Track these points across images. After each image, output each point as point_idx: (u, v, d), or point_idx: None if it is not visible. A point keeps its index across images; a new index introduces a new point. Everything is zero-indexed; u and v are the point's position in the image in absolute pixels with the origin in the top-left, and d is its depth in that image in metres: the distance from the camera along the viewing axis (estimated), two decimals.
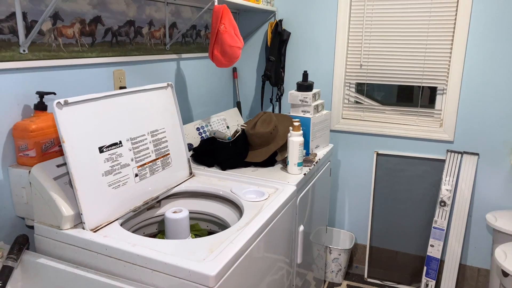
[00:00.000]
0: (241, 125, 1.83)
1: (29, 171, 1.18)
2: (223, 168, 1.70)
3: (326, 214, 2.24)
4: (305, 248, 1.82)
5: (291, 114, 1.95)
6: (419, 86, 2.34)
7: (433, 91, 2.32)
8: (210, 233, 1.54)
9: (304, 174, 1.66)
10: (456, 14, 2.13)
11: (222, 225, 1.50)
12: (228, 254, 1.04)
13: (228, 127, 2.21)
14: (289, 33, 2.47)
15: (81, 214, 1.14)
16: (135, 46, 1.73)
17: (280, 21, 2.45)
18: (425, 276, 2.31)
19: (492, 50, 2.09)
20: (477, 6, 2.07)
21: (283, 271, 1.53)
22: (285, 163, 1.78)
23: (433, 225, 2.27)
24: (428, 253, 2.29)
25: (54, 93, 1.30)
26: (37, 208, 1.19)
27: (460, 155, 2.24)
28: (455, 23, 2.14)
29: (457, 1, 2.11)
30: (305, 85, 1.91)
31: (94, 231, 1.15)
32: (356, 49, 2.39)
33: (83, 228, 1.15)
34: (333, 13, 2.37)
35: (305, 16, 2.44)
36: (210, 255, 1.04)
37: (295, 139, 1.62)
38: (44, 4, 1.30)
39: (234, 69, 2.66)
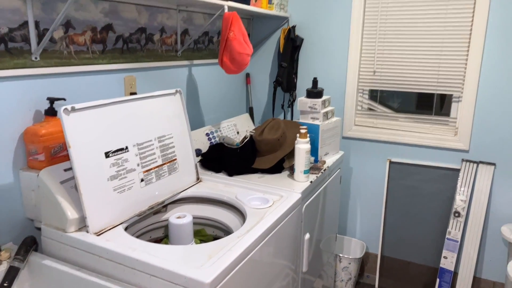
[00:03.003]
0: (250, 131, 1.84)
1: (38, 175, 1.22)
2: (230, 174, 1.71)
3: (336, 222, 2.22)
4: (312, 256, 1.80)
5: (300, 121, 1.94)
6: (437, 94, 2.29)
7: (449, 98, 2.27)
8: (216, 238, 1.55)
9: (311, 182, 1.65)
10: (472, 20, 2.08)
11: (228, 232, 1.51)
12: (225, 261, 1.04)
13: (238, 132, 2.22)
14: (302, 39, 2.47)
15: (86, 217, 1.16)
16: (146, 52, 1.77)
17: (293, 27, 2.45)
18: None
19: (509, 57, 2.03)
20: (494, 12, 2.02)
21: (288, 278, 1.52)
22: (292, 170, 1.78)
23: (447, 236, 2.22)
24: (441, 265, 2.24)
25: (64, 99, 1.34)
26: (44, 211, 1.23)
27: (475, 164, 2.18)
28: (471, 30, 2.09)
29: (474, 7, 2.07)
30: (314, 92, 1.90)
31: (98, 235, 1.18)
32: (370, 56, 2.37)
33: (87, 232, 1.17)
34: (347, 19, 2.35)
35: (318, 22, 2.44)
36: (208, 262, 1.04)
37: (301, 146, 1.62)
38: (56, 13, 1.34)
39: (247, 75, 2.68)
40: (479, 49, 2.08)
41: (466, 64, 2.14)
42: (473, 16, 2.08)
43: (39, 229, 1.26)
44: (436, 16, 2.16)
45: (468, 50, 2.12)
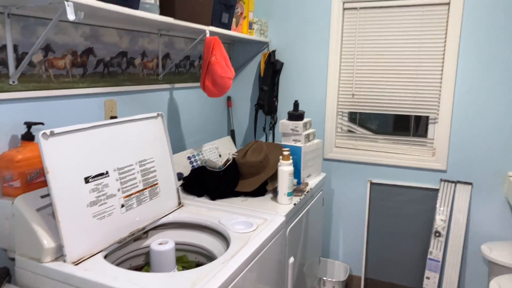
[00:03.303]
0: (232, 154, 1.83)
1: (12, 202, 1.17)
2: (213, 198, 1.69)
3: (319, 244, 2.20)
4: (296, 281, 1.78)
5: (282, 143, 1.95)
6: (413, 116, 2.35)
7: (424, 119, 2.33)
8: (198, 265, 1.51)
9: (294, 204, 1.65)
10: (445, 45, 2.17)
11: (211, 258, 1.48)
12: None
13: (220, 155, 2.20)
14: (282, 63, 2.51)
15: (63, 246, 1.12)
16: (127, 76, 1.76)
17: (273, 51, 2.49)
18: None
19: (481, 79, 2.12)
20: (465, 38, 2.11)
21: None
22: (275, 192, 1.77)
23: (429, 256, 2.23)
24: (424, 286, 2.24)
25: (42, 123, 1.30)
26: (18, 240, 1.17)
27: (453, 184, 2.23)
28: (444, 53, 2.18)
29: (445, 34, 2.16)
30: (296, 115, 1.92)
31: (76, 264, 1.13)
32: (348, 79, 2.43)
33: (64, 261, 1.12)
34: (325, 44, 2.41)
35: (297, 47, 2.49)
36: None
37: (284, 168, 1.62)
38: (35, 37, 1.33)
39: (228, 98, 2.69)
40: (452, 73, 2.16)
41: (440, 87, 2.22)
42: (445, 41, 2.17)
43: (13, 259, 1.20)
44: (411, 41, 2.25)
45: (442, 74, 2.20)
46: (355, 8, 2.34)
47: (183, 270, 1.45)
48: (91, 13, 1.38)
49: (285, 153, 1.63)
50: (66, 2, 1.10)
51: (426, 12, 2.19)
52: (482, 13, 2.06)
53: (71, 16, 1.10)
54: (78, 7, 1.19)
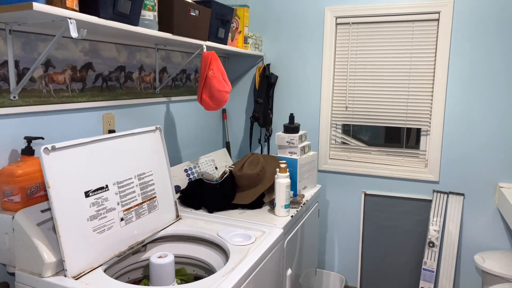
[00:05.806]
0: (229, 166, 1.85)
1: (13, 217, 1.17)
2: (210, 210, 1.70)
3: (315, 256, 2.22)
4: None
5: (278, 155, 1.98)
6: (405, 128, 2.40)
7: (418, 132, 2.38)
8: (197, 278, 1.51)
9: (291, 216, 1.67)
10: (435, 59, 2.23)
11: (209, 270, 1.48)
12: None
13: (216, 167, 2.22)
14: (277, 77, 2.55)
15: (64, 261, 1.12)
16: (125, 90, 1.77)
17: (268, 65, 2.54)
18: None
19: (471, 92, 2.17)
20: (454, 52, 2.17)
21: None
22: (272, 204, 1.79)
23: (423, 266, 2.26)
24: None
25: (42, 138, 1.31)
26: (19, 255, 1.17)
27: (446, 195, 2.27)
28: (434, 67, 2.24)
29: (436, 47, 2.22)
30: (291, 127, 1.95)
31: (76, 279, 1.13)
32: (341, 92, 2.47)
33: (65, 276, 1.13)
34: (319, 58, 2.46)
35: (291, 61, 2.54)
36: None
37: (281, 181, 1.64)
38: (36, 52, 1.34)
39: (224, 110, 2.72)
40: (442, 86, 2.21)
41: (432, 99, 2.27)
42: (435, 55, 2.23)
43: (13, 274, 1.20)
44: (402, 55, 2.30)
45: (433, 87, 2.26)
46: (348, 23, 2.40)
47: (181, 283, 1.45)
48: (91, 29, 1.40)
49: (282, 165, 1.66)
50: (69, 20, 1.12)
51: (416, 28, 2.26)
52: (470, 28, 2.13)
53: (74, 34, 1.12)
54: (80, 25, 1.22)
